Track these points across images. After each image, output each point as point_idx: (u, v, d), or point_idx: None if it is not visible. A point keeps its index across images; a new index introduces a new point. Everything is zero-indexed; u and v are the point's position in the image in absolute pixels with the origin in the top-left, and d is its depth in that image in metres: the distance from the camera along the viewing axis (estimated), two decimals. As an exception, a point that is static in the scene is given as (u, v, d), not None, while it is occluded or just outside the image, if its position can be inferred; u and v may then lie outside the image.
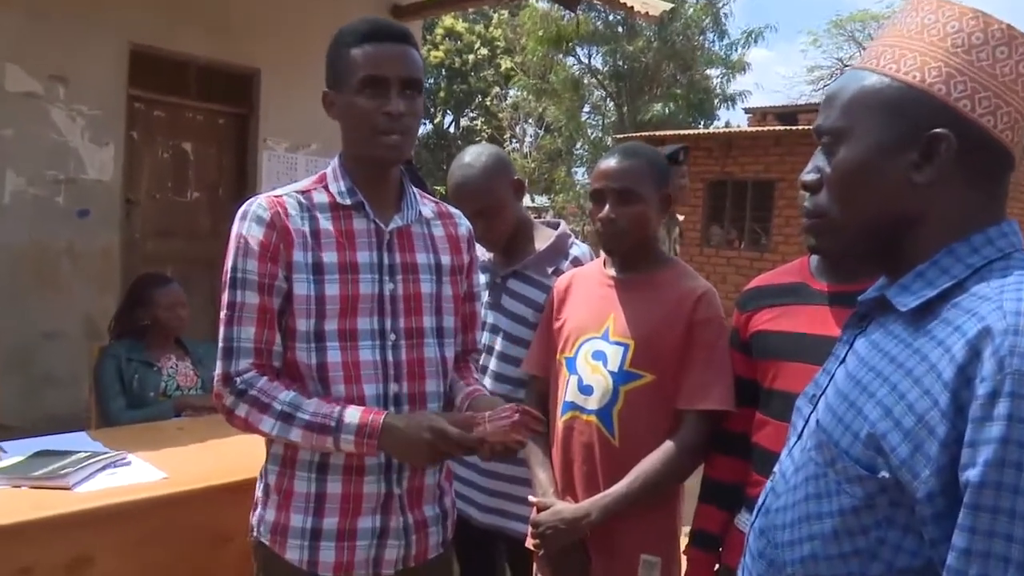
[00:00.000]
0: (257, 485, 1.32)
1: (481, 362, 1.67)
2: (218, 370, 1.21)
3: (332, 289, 1.22)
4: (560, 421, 1.53)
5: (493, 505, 1.72)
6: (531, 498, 1.50)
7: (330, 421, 1.18)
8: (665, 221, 3.09)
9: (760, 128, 10.53)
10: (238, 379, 1.21)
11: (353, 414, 1.19)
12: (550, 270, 1.73)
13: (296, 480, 1.25)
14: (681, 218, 3.41)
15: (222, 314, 1.22)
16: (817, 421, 0.80)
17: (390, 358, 1.26)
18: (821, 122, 0.81)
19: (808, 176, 0.81)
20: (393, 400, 1.25)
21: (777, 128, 9.76)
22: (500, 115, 19.46)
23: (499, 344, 1.74)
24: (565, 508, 1.44)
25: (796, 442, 0.84)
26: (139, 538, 1.60)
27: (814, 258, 1.30)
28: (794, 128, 9.23)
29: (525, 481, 1.62)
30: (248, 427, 1.22)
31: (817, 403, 0.82)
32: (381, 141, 1.21)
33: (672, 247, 3.35)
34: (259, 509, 1.29)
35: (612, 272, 1.57)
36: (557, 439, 1.54)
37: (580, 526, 1.42)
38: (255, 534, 1.28)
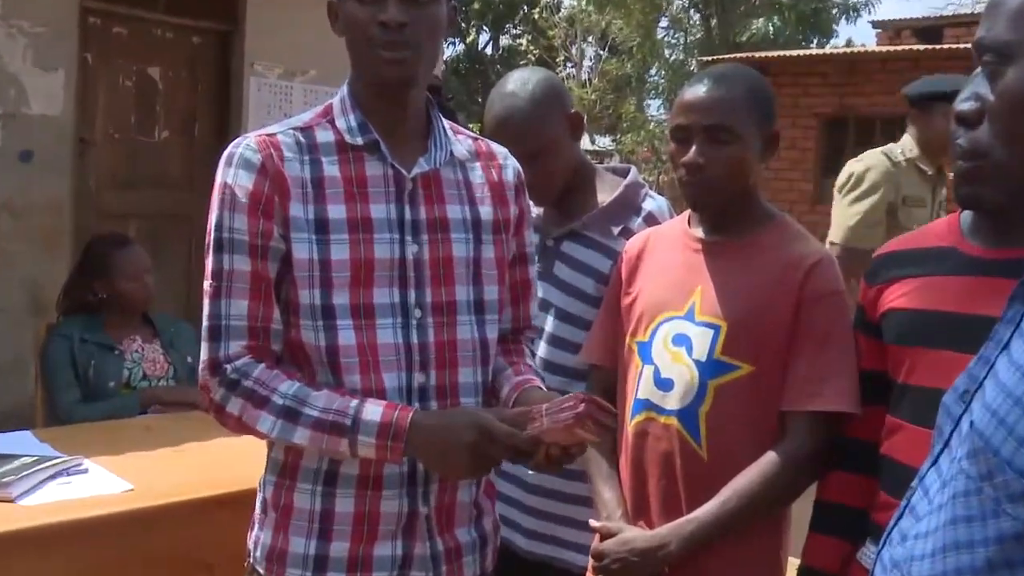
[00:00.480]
0: (256, 500, 1.36)
1: None
2: (204, 356, 1.25)
3: (340, 252, 1.25)
4: (630, 425, 1.54)
5: (543, 530, 1.77)
6: (592, 522, 1.53)
7: (344, 419, 1.22)
8: (931, 176, 3.09)
9: (893, 48, 10.40)
10: (229, 367, 1.24)
11: (374, 410, 1.22)
12: (616, 230, 1.77)
13: (298, 493, 1.29)
14: (949, 175, 3.31)
15: (206, 285, 1.26)
16: (971, 423, 0.80)
17: (414, 340, 1.29)
18: (983, 35, 0.82)
19: (965, 105, 0.81)
20: (418, 394, 1.27)
21: (915, 47, 9.70)
22: (551, 32, 19.23)
23: (550, 324, 1.77)
24: (637, 536, 1.46)
25: (942, 451, 0.85)
26: (97, 564, 1.66)
27: (968, 214, 1.31)
28: (938, 47, 9.11)
29: (584, 500, 1.65)
30: (242, 427, 1.26)
31: (971, 402, 0.83)
32: (378, 57, 1.24)
33: (935, 212, 3.29)
34: (255, 529, 1.34)
35: (699, 233, 1.58)
36: (626, 447, 1.55)
37: (656, 559, 1.44)
38: (250, 559, 1.33)
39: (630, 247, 1.68)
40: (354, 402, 1.22)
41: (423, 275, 1.30)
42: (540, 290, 1.72)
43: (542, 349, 1.77)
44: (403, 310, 1.29)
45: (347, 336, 1.26)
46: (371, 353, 1.27)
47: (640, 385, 1.56)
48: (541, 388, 1.38)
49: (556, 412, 1.21)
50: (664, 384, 1.54)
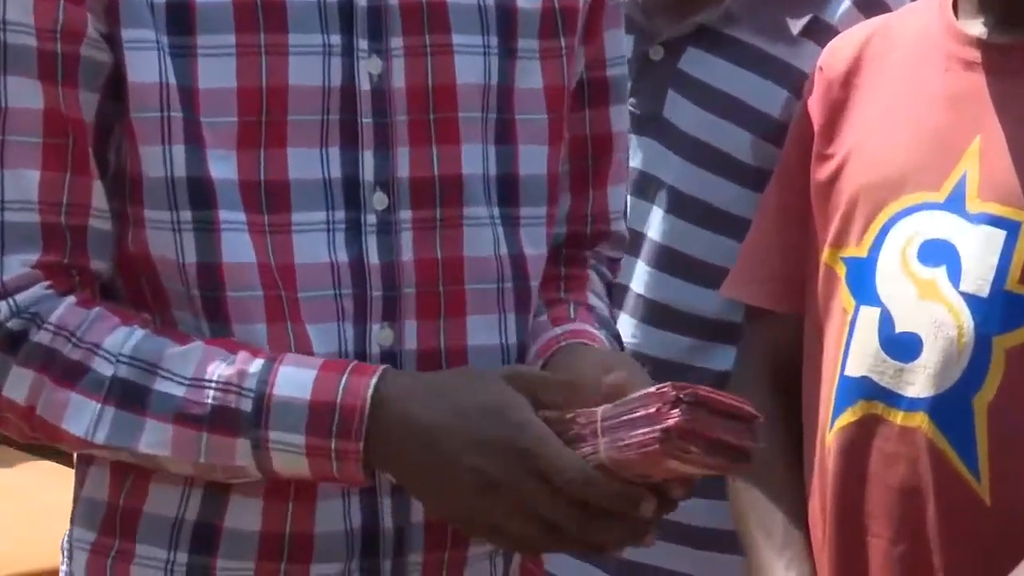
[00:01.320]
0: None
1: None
2: None
3: (219, 71, 1.11)
4: (831, 432, 1.36)
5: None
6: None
7: (238, 397, 1.06)
8: None
9: None
10: (8, 304, 1.10)
11: (296, 376, 1.07)
12: (797, 24, 1.60)
13: (139, 567, 1.14)
14: None
15: None
16: None
17: (372, 257, 1.14)
18: None
19: None
20: (371, 358, 1.14)
21: None
22: None
23: (655, 225, 1.62)
24: None
25: None
26: None
27: None
28: None
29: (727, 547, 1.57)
30: (34, 423, 1.11)
31: None
32: None
33: None
34: None
35: (975, 29, 1.38)
36: (823, 473, 1.37)
37: None
38: None
39: (830, 61, 1.48)
40: (257, 362, 1.06)
41: (391, 123, 1.14)
42: (635, 156, 1.60)
43: (636, 275, 1.63)
44: (350, 195, 1.13)
45: (237, 246, 1.11)
46: (285, 281, 1.11)
47: (852, 348, 1.34)
48: (592, 345, 1.21)
49: (623, 422, 1.00)
50: (903, 346, 1.32)
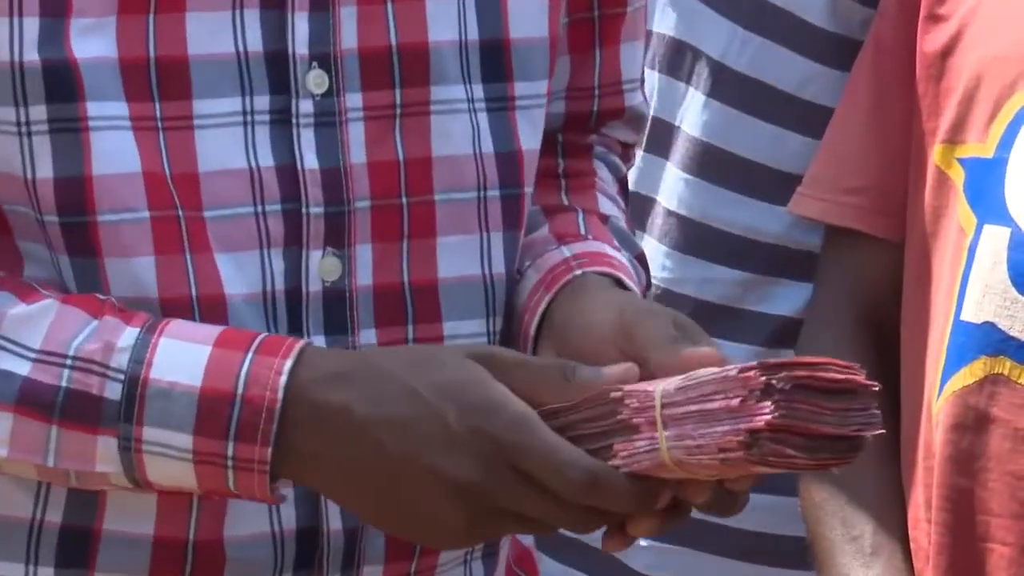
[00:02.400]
0: None
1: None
2: None
3: None
4: (939, 399, 1.21)
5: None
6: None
7: (103, 377, 0.94)
8: None
9: None
10: None
11: (187, 351, 0.95)
12: None
13: None
14: None
15: None
16: None
17: (308, 160, 1.00)
18: None
19: None
20: (320, 319, 1.02)
21: None
22: None
23: (691, 118, 1.45)
24: None
25: None
26: None
27: None
28: None
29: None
30: None
31: None
32: None
33: None
34: None
35: None
36: (931, 453, 1.21)
37: None
38: None
39: None
40: (129, 332, 0.93)
41: None
42: (666, 17, 1.48)
43: (667, 185, 1.46)
44: (275, 74, 1.00)
45: (114, 151, 0.96)
46: (184, 197, 0.97)
47: (971, 283, 1.18)
48: (626, 282, 1.07)
49: (693, 413, 0.87)
50: None
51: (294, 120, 1.01)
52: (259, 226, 1.00)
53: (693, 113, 1.47)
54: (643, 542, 1.44)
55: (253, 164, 1.00)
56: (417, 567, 1.06)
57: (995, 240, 1.18)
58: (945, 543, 1.20)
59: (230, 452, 0.93)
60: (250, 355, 0.94)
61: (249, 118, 1.00)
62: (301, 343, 0.96)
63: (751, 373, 0.86)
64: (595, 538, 1.42)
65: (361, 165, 1.02)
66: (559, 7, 1.11)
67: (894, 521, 1.26)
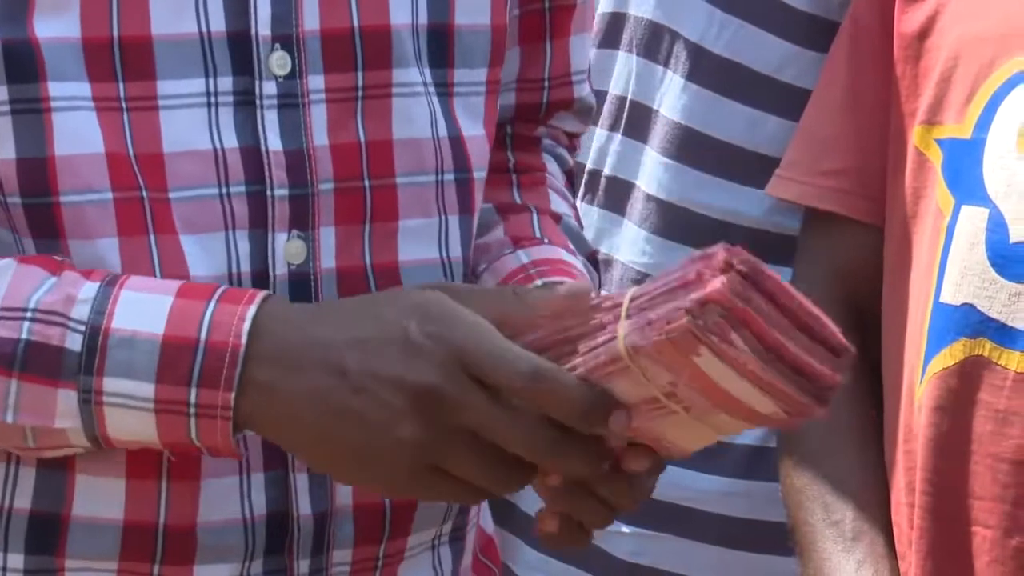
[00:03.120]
0: None
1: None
2: None
3: None
4: (921, 382, 1.21)
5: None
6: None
7: (63, 328, 0.95)
8: None
9: None
10: None
11: (149, 302, 0.97)
12: None
13: None
14: None
15: None
16: None
17: (271, 141, 1.01)
18: None
19: None
20: (286, 290, 1.04)
21: None
22: None
23: (671, 95, 1.45)
24: None
25: None
26: None
27: None
28: None
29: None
30: None
31: None
32: None
33: None
34: None
35: None
36: (912, 436, 1.20)
37: None
38: None
39: None
40: (90, 286, 0.94)
41: None
42: (644, 1, 1.47)
43: (646, 168, 1.46)
44: (238, 55, 1.01)
45: (76, 132, 0.97)
46: (148, 177, 0.98)
47: (950, 265, 1.19)
48: (576, 277, 1.11)
49: (654, 298, 0.87)
50: (1020, 260, 1.17)
51: (258, 102, 1.01)
52: (224, 207, 1.01)
53: (672, 96, 1.47)
54: (625, 528, 1.47)
55: (217, 145, 1.00)
56: (386, 551, 1.08)
57: (973, 221, 1.18)
58: (927, 526, 1.20)
59: (192, 399, 0.93)
60: (212, 303, 0.95)
61: (213, 99, 1.01)
62: (263, 292, 0.98)
63: (714, 251, 0.86)
64: None
65: (324, 147, 1.03)
66: None
67: (876, 505, 1.26)
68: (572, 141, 1.31)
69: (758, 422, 0.89)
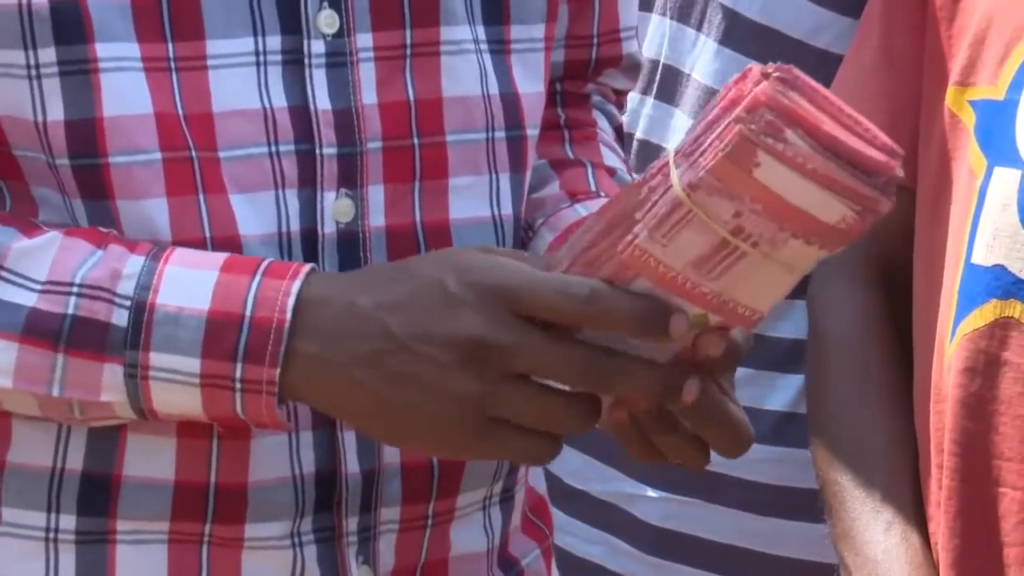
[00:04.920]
0: None
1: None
2: None
3: None
4: (952, 342, 1.22)
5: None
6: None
7: (109, 304, 0.97)
8: None
9: None
10: None
11: (193, 277, 0.99)
12: None
13: (6, 510, 1.05)
14: None
15: None
16: None
17: (319, 100, 1.03)
18: None
19: None
20: (335, 249, 1.06)
21: None
22: None
23: (705, 58, 1.50)
24: None
25: None
26: None
27: None
28: None
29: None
30: None
31: None
32: None
33: None
34: None
35: None
36: (942, 397, 1.21)
37: None
38: None
39: None
40: (135, 260, 0.96)
41: None
42: None
43: (676, 136, 1.52)
44: (286, 13, 1.02)
45: (125, 92, 0.99)
46: (198, 137, 1.00)
47: (981, 226, 1.19)
48: None
49: (698, 134, 0.87)
50: None
51: (306, 60, 1.03)
52: (273, 166, 1.02)
53: (704, 61, 1.50)
54: (653, 493, 1.54)
55: (267, 104, 1.02)
56: (435, 509, 1.10)
57: (1005, 183, 1.18)
58: (956, 487, 1.20)
59: (238, 374, 0.96)
60: (257, 278, 0.97)
61: (262, 58, 1.02)
62: (308, 266, 0.98)
63: (748, 68, 0.88)
64: (605, 491, 1.60)
65: (372, 106, 1.04)
66: None
67: (905, 466, 1.27)
68: (620, 99, 1.32)
69: (830, 238, 0.89)
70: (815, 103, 0.87)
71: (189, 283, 0.98)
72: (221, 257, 0.99)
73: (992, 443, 1.18)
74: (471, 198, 1.09)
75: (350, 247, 1.05)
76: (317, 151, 1.04)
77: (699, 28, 1.52)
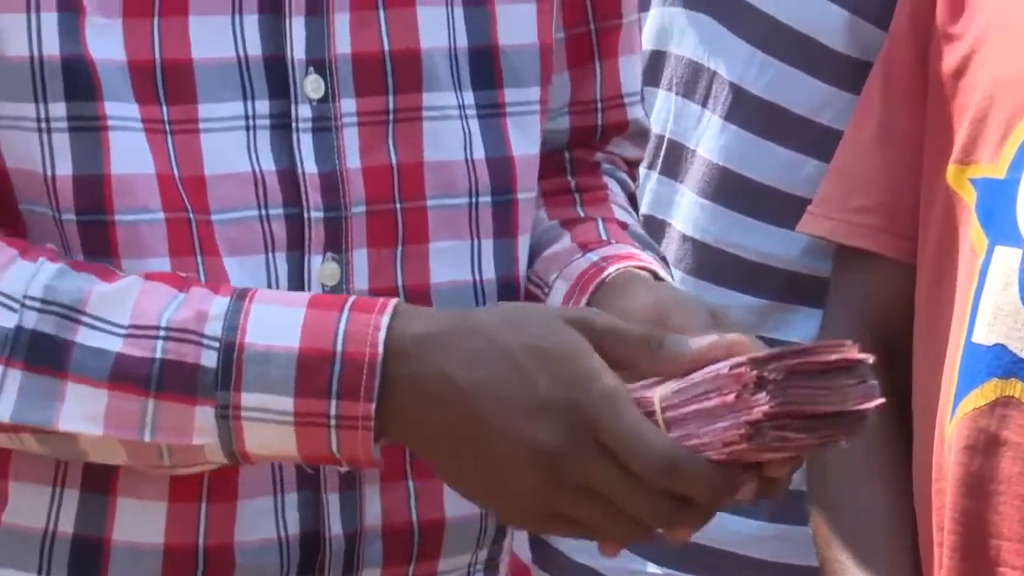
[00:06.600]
0: None
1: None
2: None
3: None
4: (951, 421, 1.23)
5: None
6: None
7: (198, 346, 0.96)
8: None
9: None
10: None
11: (280, 314, 0.98)
12: None
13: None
14: None
15: None
16: None
17: (306, 164, 1.03)
18: None
19: None
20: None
21: None
22: None
23: (709, 136, 1.48)
24: None
25: None
26: None
27: None
28: None
29: None
30: None
31: None
32: None
33: None
34: None
35: None
36: (943, 475, 1.24)
37: None
38: None
39: None
40: (220, 301, 0.95)
41: None
42: (684, 40, 1.50)
43: (681, 208, 1.49)
44: (274, 79, 1.02)
45: (130, 151, 0.98)
46: (192, 199, 1.00)
47: (983, 304, 1.22)
48: (661, 273, 1.10)
49: (693, 413, 0.91)
50: None
51: (294, 125, 1.03)
52: (264, 230, 1.02)
53: (710, 137, 1.49)
54: (657, 570, 1.52)
55: (256, 168, 1.02)
56: (415, 571, 1.08)
57: (1007, 261, 1.20)
58: (955, 566, 1.22)
59: (333, 411, 0.95)
60: (345, 313, 0.96)
61: (251, 122, 1.02)
62: (395, 300, 0.97)
63: (742, 369, 0.89)
64: (608, 566, 1.47)
65: (356, 170, 1.04)
66: (550, 14, 1.12)
67: (905, 544, 1.28)
68: (631, 170, 1.30)
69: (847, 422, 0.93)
70: (802, 371, 0.91)
71: (277, 321, 0.98)
72: (306, 295, 1.00)
73: (992, 522, 1.19)
74: (452, 262, 1.09)
75: None
76: (305, 215, 1.04)
77: (704, 104, 1.51)
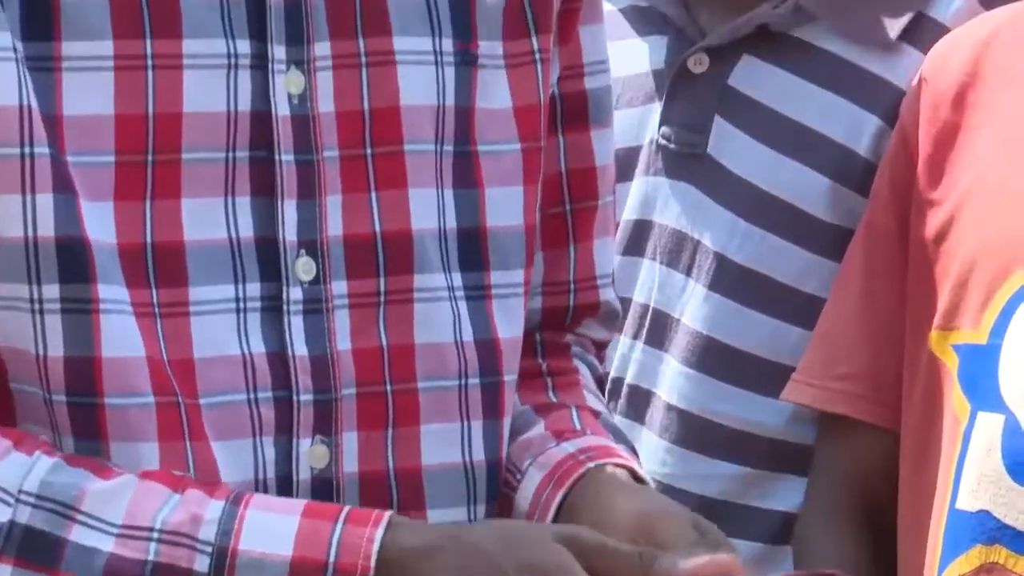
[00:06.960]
0: None
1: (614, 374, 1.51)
2: None
3: (91, 93, 0.98)
4: None
5: None
6: None
7: (190, 550, 0.93)
8: None
9: None
10: None
11: (275, 522, 0.96)
12: (894, 26, 1.45)
13: None
14: None
15: None
16: None
17: (296, 347, 1.02)
18: None
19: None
20: (299, 496, 1.03)
21: None
22: None
23: (693, 305, 1.47)
24: None
25: None
26: None
27: None
28: None
29: None
30: None
31: None
32: None
33: None
34: None
35: None
36: None
37: None
38: None
39: (938, 70, 1.36)
40: (215, 505, 0.94)
41: (318, 161, 1.03)
42: (668, 209, 1.49)
43: (666, 378, 1.47)
44: (266, 262, 1.02)
45: (121, 334, 0.98)
46: (181, 383, 0.99)
47: (966, 471, 1.23)
48: (640, 473, 1.08)
49: None
50: None
51: (284, 307, 1.03)
52: (252, 414, 1.02)
53: (694, 306, 1.48)
54: None
55: (246, 351, 1.01)
56: None
57: (989, 428, 1.21)
58: None
59: None
60: (340, 524, 0.95)
61: (242, 304, 1.03)
62: (389, 513, 0.96)
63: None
64: None
65: (346, 352, 1.04)
66: (535, 196, 1.13)
67: None
68: (600, 352, 1.30)
69: None
70: None
71: (271, 528, 0.97)
72: (300, 502, 0.99)
73: None
74: (442, 445, 1.09)
75: (323, 493, 1.03)
76: (294, 397, 1.03)
77: (688, 273, 1.50)
